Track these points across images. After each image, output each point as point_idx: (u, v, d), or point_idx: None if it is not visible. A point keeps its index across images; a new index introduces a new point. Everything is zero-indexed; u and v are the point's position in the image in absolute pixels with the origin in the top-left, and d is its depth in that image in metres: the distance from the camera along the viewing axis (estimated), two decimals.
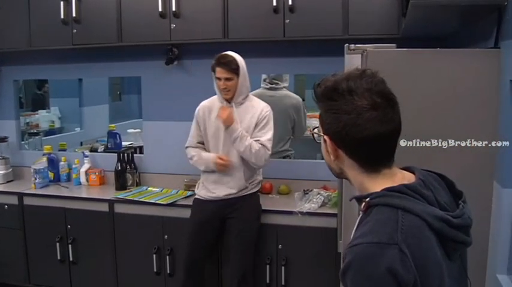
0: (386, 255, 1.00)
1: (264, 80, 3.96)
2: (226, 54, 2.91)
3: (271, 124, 2.99)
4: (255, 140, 2.92)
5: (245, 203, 3.02)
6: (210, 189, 3.06)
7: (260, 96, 3.72)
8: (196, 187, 3.20)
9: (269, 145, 2.94)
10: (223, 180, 3.02)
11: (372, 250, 1.02)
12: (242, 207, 3.01)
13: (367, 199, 1.13)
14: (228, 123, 2.89)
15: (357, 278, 1.03)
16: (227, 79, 2.88)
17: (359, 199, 1.18)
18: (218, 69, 2.87)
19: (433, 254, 1.06)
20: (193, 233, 3.08)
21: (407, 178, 1.18)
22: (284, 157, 3.93)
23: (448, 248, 1.11)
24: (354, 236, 1.11)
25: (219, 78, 2.89)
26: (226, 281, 3.17)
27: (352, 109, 1.09)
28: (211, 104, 3.02)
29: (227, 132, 2.93)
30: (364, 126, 1.09)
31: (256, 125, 2.96)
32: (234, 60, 2.87)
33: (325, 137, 1.17)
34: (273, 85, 3.93)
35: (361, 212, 1.16)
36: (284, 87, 4.00)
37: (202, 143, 3.08)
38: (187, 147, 3.11)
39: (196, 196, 3.14)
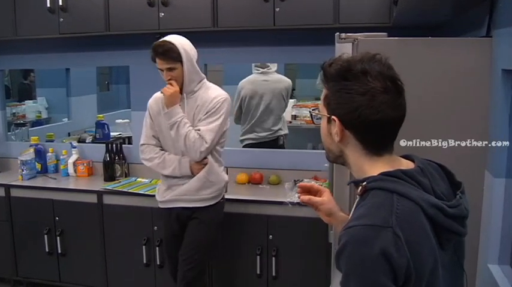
0: (380, 238, 1.01)
1: (256, 65, 4.11)
2: (163, 41, 2.56)
3: (221, 114, 2.63)
4: (196, 129, 2.61)
5: (202, 213, 2.74)
6: (164, 197, 2.80)
7: (254, 82, 4.00)
8: (157, 191, 2.94)
9: (208, 136, 2.59)
10: (173, 188, 2.76)
11: (366, 232, 1.03)
12: (199, 217, 2.75)
13: (364, 183, 1.14)
14: (171, 102, 2.58)
15: (351, 260, 1.03)
16: (169, 69, 2.56)
17: (356, 183, 1.19)
18: (157, 60, 2.56)
19: (427, 241, 1.07)
20: (167, 246, 2.95)
21: (406, 165, 1.19)
22: (278, 137, 4.15)
23: (441, 237, 1.11)
24: (349, 219, 1.11)
25: (161, 69, 2.60)
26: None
27: (367, 91, 1.10)
28: None
29: (166, 115, 2.61)
30: (377, 109, 1.10)
31: (205, 114, 2.64)
32: (173, 47, 2.53)
33: (333, 117, 1.16)
34: (265, 69, 4.09)
35: (357, 196, 1.17)
36: (275, 71, 4.18)
37: (158, 139, 2.78)
38: (143, 144, 2.79)
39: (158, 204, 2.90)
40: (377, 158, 1.17)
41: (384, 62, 1.14)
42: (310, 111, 1.31)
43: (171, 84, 2.58)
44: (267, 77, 4.12)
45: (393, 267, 1.00)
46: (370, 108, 1.10)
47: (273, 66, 4.16)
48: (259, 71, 4.13)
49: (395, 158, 1.20)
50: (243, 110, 4.15)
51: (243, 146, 4.17)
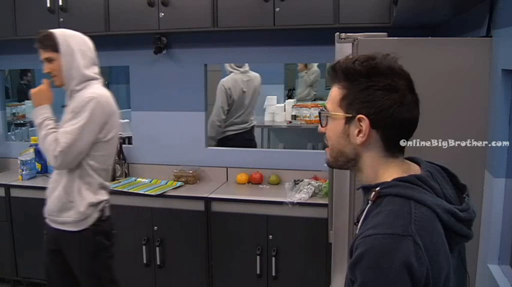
0: (402, 247, 0.98)
1: (233, 66, 4.18)
2: (46, 31, 2.29)
3: (84, 116, 2.20)
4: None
5: (71, 240, 2.34)
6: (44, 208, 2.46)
7: (240, 82, 4.09)
8: None
9: (64, 139, 2.19)
10: (47, 201, 2.42)
11: (386, 241, 1.00)
12: (69, 247, 2.37)
13: (377, 189, 1.11)
14: (36, 101, 2.32)
15: (370, 271, 1.00)
16: (47, 60, 2.28)
17: (367, 188, 1.16)
18: (39, 49, 2.29)
19: (443, 247, 1.05)
20: (45, 261, 2.50)
21: (413, 168, 1.17)
22: (252, 127, 4.44)
23: (451, 241, 1.09)
24: (365, 227, 1.08)
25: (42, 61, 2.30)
26: None
27: (397, 88, 1.09)
28: None
29: (33, 115, 2.33)
30: (408, 107, 1.10)
31: (69, 115, 2.28)
32: (50, 35, 2.24)
33: (360, 116, 1.10)
34: (243, 69, 4.23)
35: (369, 201, 1.13)
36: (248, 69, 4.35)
37: None
38: None
39: None
40: (392, 160, 1.14)
41: (396, 61, 1.13)
42: (319, 112, 1.24)
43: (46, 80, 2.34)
44: (247, 77, 4.25)
45: (413, 277, 0.97)
46: (403, 106, 1.08)
47: (247, 65, 4.29)
48: (240, 71, 4.20)
49: (404, 161, 1.18)
50: (231, 108, 4.21)
51: (223, 137, 4.22)
